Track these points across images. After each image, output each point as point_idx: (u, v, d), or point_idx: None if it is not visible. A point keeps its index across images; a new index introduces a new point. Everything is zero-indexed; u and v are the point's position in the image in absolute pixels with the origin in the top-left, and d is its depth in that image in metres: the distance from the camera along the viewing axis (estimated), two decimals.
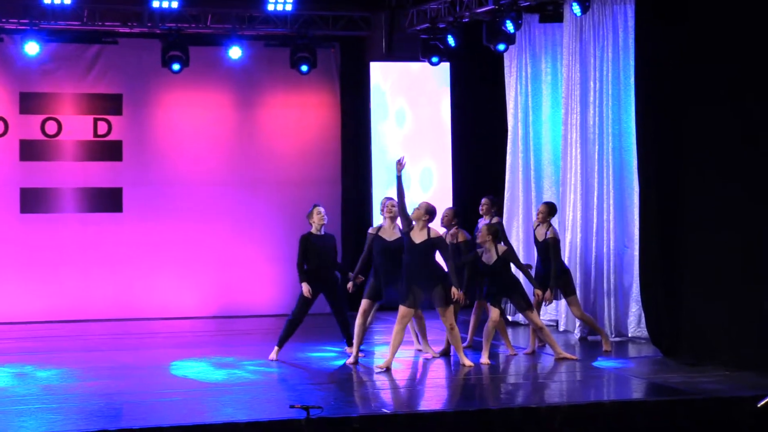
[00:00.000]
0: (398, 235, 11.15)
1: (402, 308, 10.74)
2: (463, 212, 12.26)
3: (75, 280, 15.21)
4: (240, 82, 15.69)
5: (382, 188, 15.89)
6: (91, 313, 15.16)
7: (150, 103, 15.48)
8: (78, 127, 15.27)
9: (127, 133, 15.42)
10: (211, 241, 15.63)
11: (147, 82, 15.40)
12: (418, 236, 10.70)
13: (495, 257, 11.26)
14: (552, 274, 11.84)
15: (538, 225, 12.21)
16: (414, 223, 10.70)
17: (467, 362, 10.89)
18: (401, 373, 10.76)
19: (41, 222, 15.20)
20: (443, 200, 16.05)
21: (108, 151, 15.36)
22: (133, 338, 13.76)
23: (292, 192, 15.84)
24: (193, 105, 15.62)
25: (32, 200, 15.17)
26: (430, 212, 10.73)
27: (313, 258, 11.59)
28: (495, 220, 12.13)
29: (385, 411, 8.71)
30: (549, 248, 11.88)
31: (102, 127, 15.36)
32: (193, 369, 11.16)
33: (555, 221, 12.51)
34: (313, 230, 11.68)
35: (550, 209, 12.23)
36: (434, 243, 10.67)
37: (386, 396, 9.88)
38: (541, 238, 12.09)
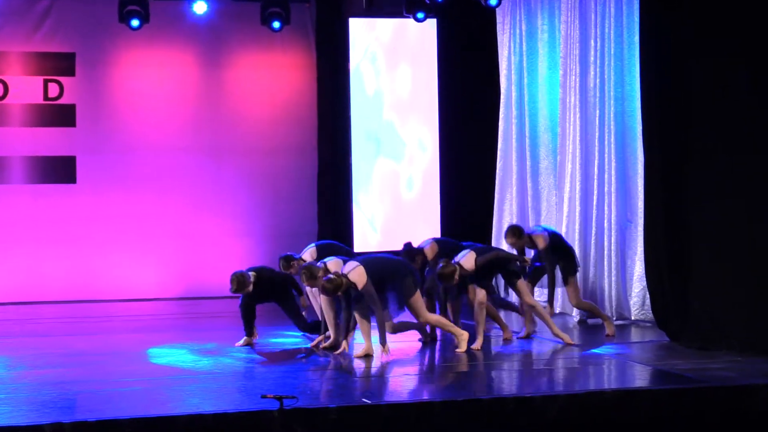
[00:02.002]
0: None
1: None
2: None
3: (24, 259, 15.17)
4: (205, 40, 15.62)
5: (362, 157, 15.88)
6: (43, 294, 15.13)
7: (106, 63, 15.41)
8: (26, 89, 15.19)
9: (81, 96, 15.35)
10: (175, 215, 15.61)
11: (103, 40, 15.32)
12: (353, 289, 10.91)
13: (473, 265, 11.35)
14: (548, 278, 12.19)
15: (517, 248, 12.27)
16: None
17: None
18: (383, 361, 10.77)
19: None
20: (433, 171, 16.06)
21: (59, 115, 15.29)
22: (89, 322, 13.74)
23: (263, 161, 15.82)
24: (154, 65, 15.55)
25: None
26: (330, 290, 10.71)
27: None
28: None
29: (366, 401, 8.73)
30: (542, 257, 12.17)
31: (53, 90, 15.28)
32: (156, 356, 11.15)
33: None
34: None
35: (514, 233, 12.12)
36: (363, 294, 10.79)
37: (367, 385, 9.90)
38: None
